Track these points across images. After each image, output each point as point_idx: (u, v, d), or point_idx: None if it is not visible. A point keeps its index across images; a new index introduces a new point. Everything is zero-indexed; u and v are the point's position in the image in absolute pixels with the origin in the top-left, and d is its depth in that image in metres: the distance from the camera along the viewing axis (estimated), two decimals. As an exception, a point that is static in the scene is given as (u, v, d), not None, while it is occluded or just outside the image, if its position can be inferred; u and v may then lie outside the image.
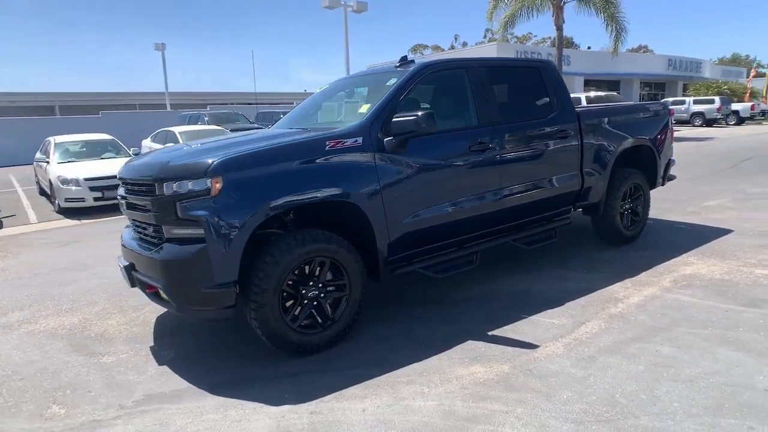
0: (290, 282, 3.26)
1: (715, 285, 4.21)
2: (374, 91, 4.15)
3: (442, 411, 2.69)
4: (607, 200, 5.20)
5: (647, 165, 5.64)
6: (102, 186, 9.80)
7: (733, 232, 5.76)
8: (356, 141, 3.49)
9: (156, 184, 3.12)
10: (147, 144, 14.56)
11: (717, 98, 27.58)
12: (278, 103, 31.12)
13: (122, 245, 3.70)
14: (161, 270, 3.12)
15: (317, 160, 3.34)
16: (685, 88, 38.08)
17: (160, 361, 3.49)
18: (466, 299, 4.24)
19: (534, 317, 3.79)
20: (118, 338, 3.91)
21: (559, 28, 22.55)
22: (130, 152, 12.00)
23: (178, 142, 12.67)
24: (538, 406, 2.67)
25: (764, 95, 32.69)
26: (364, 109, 3.81)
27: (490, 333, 3.58)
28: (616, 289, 4.26)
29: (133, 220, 3.55)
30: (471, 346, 3.40)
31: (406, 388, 2.93)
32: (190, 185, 3.04)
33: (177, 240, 3.13)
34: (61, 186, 9.74)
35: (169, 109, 29.77)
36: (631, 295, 4.10)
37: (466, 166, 4.01)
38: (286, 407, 2.82)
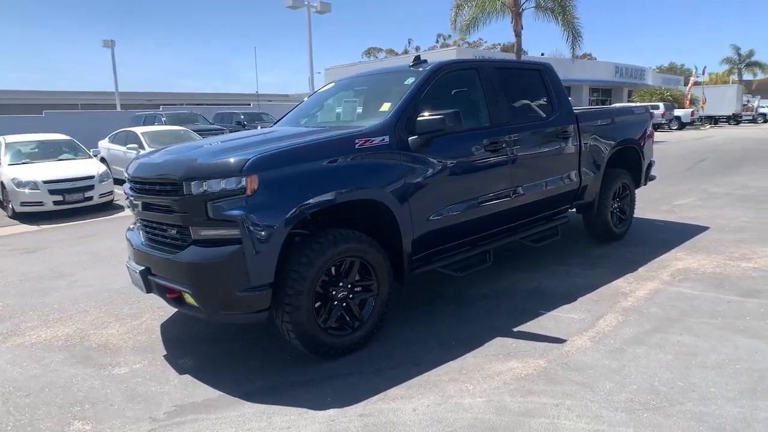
0: (321, 283, 3.19)
1: (710, 278, 4.45)
2: (391, 90, 4.13)
3: (493, 407, 2.70)
4: (600, 199, 5.40)
5: (633, 165, 5.90)
6: (63, 189, 9.26)
7: (709, 229, 6.12)
8: (383, 140, 3.47)
9: (183, 184, 2.97)
10: (105, 145, 13.86)
11: (661, 104, 29.25)
12: (228, 105, 30.17)
13: (134, 248, 3.49)
14: (191, 273, 2.97)
15: (348, 159, 3.29)
16: (630, 94, 40.16)
17: (180, 370, 3.32)
18: (482, 297, 4.28)
19: (552, 313, 3.87)
20: (125, 348, 3.69)
21: (518, 35, 23.22)
22: (91, 153, 11.40)
23: (142, 143, 12.16)
24: (585, 398, 2.73)
25: (702, 102, 34.94)
26: (386, 107, 3.78)
27: (515, 329, 3.63)
28: (621, 284, 4.42)
29: (148, 221, 3.36)
30: (501, 342, 3.44)
31: (450, 386, 2.93)
32: (222, 184, 2.91)
33: (206, 241, 2.99)
34: (16, 189, 9.10)
35: (119, 109, 28.41)
36: (636, 289, 4.27)
37: (483, 166, 4.06)
38: (332, 411, 2.75)
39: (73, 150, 11.08)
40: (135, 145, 12.15)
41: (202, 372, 3.28)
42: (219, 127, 19.10)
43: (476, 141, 4.00)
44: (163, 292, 3.25)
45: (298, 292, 3.03)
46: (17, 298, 4.95)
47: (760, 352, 3.13)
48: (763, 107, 39.46)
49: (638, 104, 5.94)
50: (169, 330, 3.98)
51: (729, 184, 9.29)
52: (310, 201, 3.06)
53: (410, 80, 3.92)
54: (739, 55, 51.56)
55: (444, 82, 4.02)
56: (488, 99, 4.25)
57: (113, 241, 7.10)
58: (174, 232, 3.16)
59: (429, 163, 3.67)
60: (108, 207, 9.96)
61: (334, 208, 3.25)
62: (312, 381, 3.09)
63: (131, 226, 3.96)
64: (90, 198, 9.56)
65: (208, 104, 32.56)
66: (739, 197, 8.05)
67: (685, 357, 3.11)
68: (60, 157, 10.62)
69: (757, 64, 52.23)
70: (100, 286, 5.19)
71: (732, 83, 45.30)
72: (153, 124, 18.11)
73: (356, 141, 3.35)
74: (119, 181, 11.64)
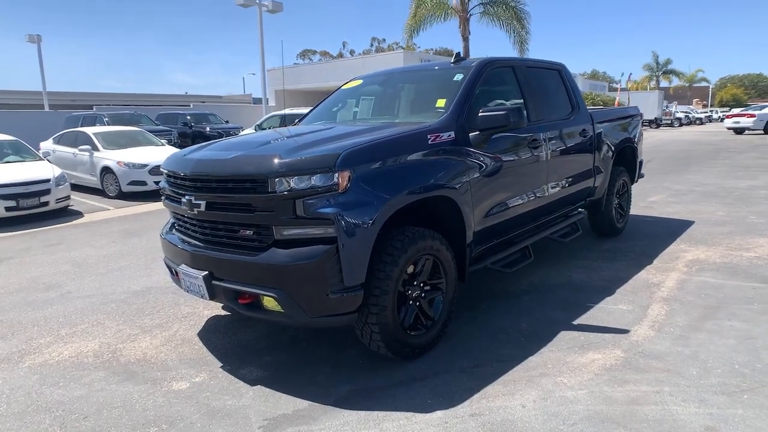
0: (402, 283, 3.09)
1: (723, 268, 4.77)
2: (438, 86, 4.09)
3: (598, 398, 2.73)
4: (607, 196, 5.64)
5: (630, 164, 6.22)
6: (16, 194, 8.43)
7: (695, 223, 6.56)
8: (450, 135, 3.43)
9: (269, 181, 2.77)
10: (48, 147, 12.75)
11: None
12: (156, 106, 28.42)
13: (185, 251, 3.21)
14: (279, 276, 2.78)
15: (424, 155, 3.22)
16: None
17: (249, 381, 3.10)
18: (523, 292, 4.33)
19: (600, 305, 3.99)
20: (170, 361, 3.40)
21: (465, 39, 23.85)
22: (40, 155, 10.44)
23: (95, 144, 11.34)
24: (680, 384, 2.83)
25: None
26: (442, 103, 3.73)
27: (575, 322, 3.70)
28: (646, 275, 4.63)
29: (211, 221, 3.10)
30: (567, 335, 3.49)
31: (545, 381, 2.93)
32: (313, 180, 2.75)
33: (288, 242, 2.81)
34: (-41, 195, 8.17)
35: (47, 109, 26.23)
36: (663, 280, 4.49)
37: (526, 162, 4.12)
38: (439, 413, 2.67)
39: (19, 152, 10.10)
40: (88, 147, 11.28)
41: (274, 382, 3.07)
42: (166, 128, 18.16)
43: (521, 138, 4.05)
44: (233, 297, 3.01)
45: (384, 291, 2.93)
46: (9, 312, 4.43)
47: (808, 332, 3.39)
48: (679, 112, 43.03)
49: (632, 106, 6.30)
50: (210, 340, 3.71)
51: (687, 182, 10.02)
52: (397, 197, 2.96)
53: (459, 76, 3.90)
54: (657, 63, 55.95)
55: (488, 79, 4.04)
56: (525, 96, 4.32)
57: (90, 249, 6.56)
58: (250, 232, 2.93)
59: (486, 159, 3.66)
60: (64, 213, 9.16)
61: (412, 205, 3.16)
62: (401, 383, 2.98)
63: (168, 228, 3.66)
64: (46, 203, 8.76)
65: (134, 105, 30.66)
66: (703, 194, 8.70)
67: (746, 341, 3.30)
68: (6, 160, 9.64)
69: (673, 71, 56.96)
70: (102, 296, 4.76)
71: (650, 89, 49.06)
72: (94, 124, 16.88)
73: (428, 136, 3.29)
74: (75, 186, 10.75)
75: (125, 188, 10.56)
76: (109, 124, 16.63)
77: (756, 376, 2.88)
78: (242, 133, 17.17)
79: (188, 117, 20.86)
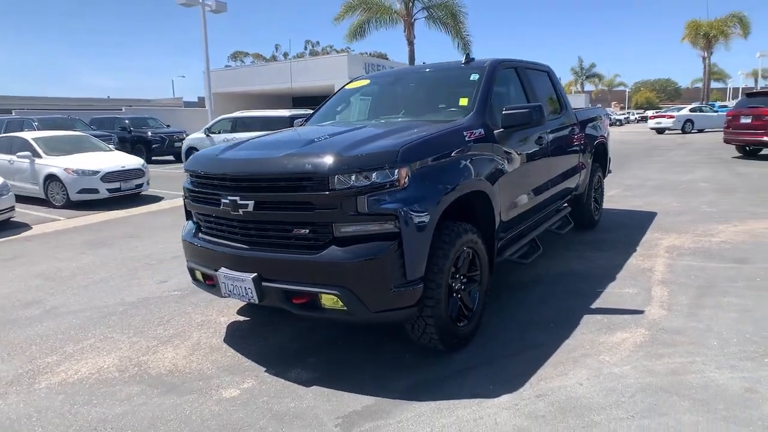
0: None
1: (698, 252, 5.25)
2: (454, 85, 4.22)
3: (644, 371, 2.96)
4: (587, 190, 6.02)
5: (602, 160, 6.66)
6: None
7: (658, 214, 7.13)
8: (480, 132, 3.56)
9: (330, 178, 2.76)
10: (-23, 153, 11.61)
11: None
12: (74, 110, 26.49)
13: (231, 254, 3.12)
14: (344, 273, 2.77)
15: (463, 151, 3.32)
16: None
17: (302, 382, 3.06)
18: (534, 282, 4.55)
19: (608, 290, 4.28)
20: (207, 370, 3.28)
21: (411, 43, 24.35)
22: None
23: (35, 149, 10.54)
24: (707, 354, 3.12)
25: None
26: (465, 102, 3.87)
27: (592, 307, 3.95)
28: (636, 262, 5.01)
29: (258, 221, 3.02)
30: (591, 319, 3.72)
31: (589, 361, 3.12)
32: (374, 177, 2.78)
33: (349, 239, 2.82)
34: None
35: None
36: (653, 265, 4.88)
37: (537, 158, 4.35)
38: (505, 397, 2.78)
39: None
40: (28, 153, 10.43)
41: (328, 381, 3.06)
42: (107, 133, 17.13)
43: (532, 134, 4.26)
44: (286, 298, 2.97)
45: (438, 284, 3.00)
46: (-6, 333, 4.07)
47: (794, 303, 3.82)
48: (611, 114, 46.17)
49: (598, 107, 6.77)
50: (240, 346, 3.61)
51: (635, 177, 10.82)
52: (450, 192, 3.05)
53: (476, 76, 4.06)
54: (582, 67, 59.61)
55: (499, 79, 4.22)
56: (528, 96, 4.55)
57: (57, 262, 6.15)
58: (305, 231, 2.90)
59: (509, 155, 3.84)
60: (8, 225, 8.43)
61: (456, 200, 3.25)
62: (456, 374, 3.07)
63: (193, 230, 3.52)
64: (-12, 215, 8.03)
65: (48, 108, 28.45)
66: (653, 187, 9.44)
67: (745, 314, 3.68)
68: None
69: (596, 75, 60.88)
70: (96, 310, 4.48)
71: (575, 93, 52.18)
72: (21, 129, 15.59)
73: (465, 133, 3.40)
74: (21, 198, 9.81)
75: (74, 197, 9.87)
76: (39, 128, 15.44)
77: (767, 343, 3.23)
78: (193, 136, 16.52)
79: (126, 121, 19.78)
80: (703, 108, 28.70)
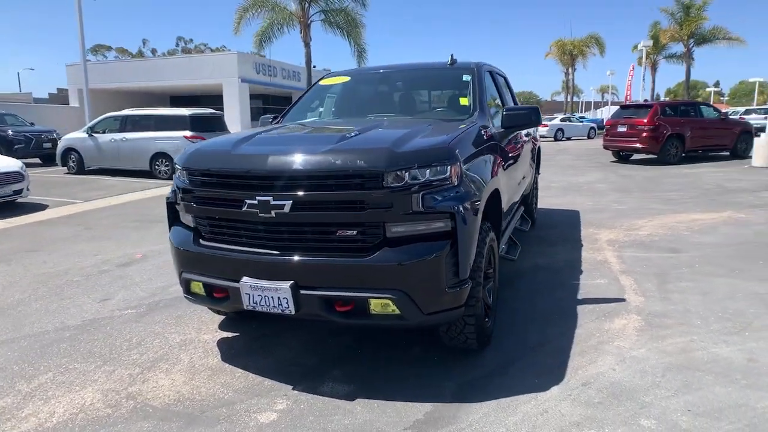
0: (480, 273, 3.18)
1: (635, 245, 5.86)
2: (447, 85, 4.23)
3: (658, 352, 3.21)
4: (533, 189, 6.43)
5: (537, 161, 7.16)
6: None
7: (580, 211, 7.84)
8: (491, 131, 3.61)
9: (384, 175, 2.59)
10: None
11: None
12: None
13: (259, 261, 2.78)
14: (398, 276, 2.61)
15: (485, 149, 3.34)
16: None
17: (343, 396, 2.83)
18: (512, 278, 4.72)
19: (582, 282, 4.59)
20: (224, 395, 2.90)
21: (307, 45, 24.04)
22: None
23: None
24: (699, 333, 3.48)
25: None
26: (465, 101, 3.89)
27: (579, 298, 4.20)
28: (590, 255, 5.45)
29: (295, 223, 2.73)
30: (585, 309, 3.95)
31: (608, 347, 3.31)
32: (428, 173, 2.67)
33: (400, 239, 2.68)
34: None
35: None
36: (606, 258, 5.34)
37: (518, 157, 4.53)
38: (556, 389, 2.84)
39: None
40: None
41: (370, 392, 2.87)
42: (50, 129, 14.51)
43: (515, 136, 4.43)
44: (328, 306, 2.72)
45: (478, 283, 2.98)
46: None
47: (738, 279, 4.43)
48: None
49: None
50: (246, 364, 3.25)
51: (540, 180, 11.75)
52: (487, 189, 3.05)
53: (468, 77, 4.11)
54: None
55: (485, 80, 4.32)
56: (502, 98, 4.73)
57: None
58: (353, 232, 2.69)
59: (506, 153, 3.95)
60: None
61: None
62: (497, 372, 3.06)
63: (191, 236, 3.09)
64: None
65: None
66: (560, 188, 10.36)
67: (706, 295, 4.18)
68: None
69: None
70: (32, 338, 3.76)
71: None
72: None
73: (482, 132, 3.42)
74: None
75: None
76: None
77: (738, 318, 3.70)
78: (70, 136, 14.55)
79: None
80: (571, 118, 32.38)
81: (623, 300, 4.12)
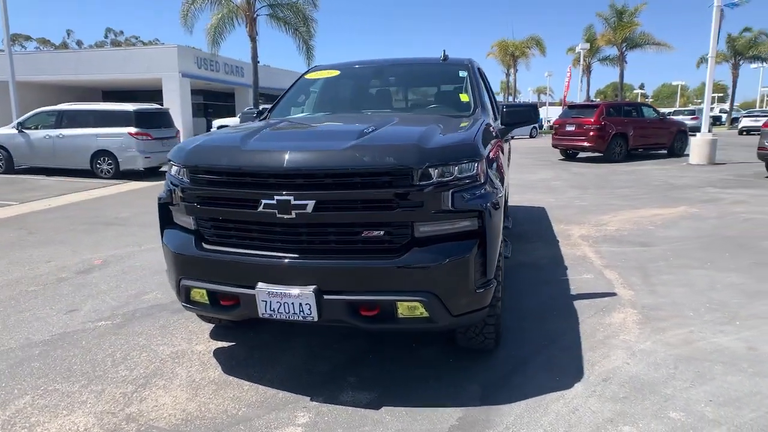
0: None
1: (608, 240, 6.05)
2: (443, 81, 4.15)
3: (664, 344, 3.29)
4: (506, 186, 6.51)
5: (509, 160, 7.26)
6: None
7: (546, 208, 8.04)
8: (493, 127, 3.58)
9: (414, 172, 2.47)
10: None
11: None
12: None
13: (277, 265, 2.58)
14: (429, 277, 2.50)
15: (496, 145, 3.30)
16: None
17: (368, 406, 2.69)
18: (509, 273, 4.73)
19: (570, 277, 4.68)
20: (236, 410, 2.69)
21: (253, 39, 23.30)
22: None
23: None
24: (694, 323, 3.61)
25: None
26: (466, 98, 3.83)
27: (572, 293, 4.27)
28: (569, 251, 5.57)
29: (316, 224, 2.56)
30: (580, 305, 4.01)
31: (615, 341, 3.36)
32: (456, 170, 2.58)
33: (430, 239, 2.57)
34: None
35: None
36: (585, 253, 5.48)
37: (508, 155, 4.54)
38: (579, 386, 2.83)
39: None
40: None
41: (395, 399, 2.75)
42: None
43: (509, 131, 4.43)
44: (352, 311, 2.57)
45: (499, 282, 2.94)
46: None
47: (713, 270, 4.66)
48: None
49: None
50: (252, 375, 3.03)
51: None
52: (503, 186, 3.00)
53: (464, 73, 4.07)
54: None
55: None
56: (490, 95, 4.73)
57: None
58: (380, 232, 2.55)
59: (506, 150, 3.94)
60: None
61: None
62: (515, 371, 3.02)
63: (192, 239, 2.83)
64: None
65: None
66: (520, 186, 10.59)
67: (689, 287, 4.36)
68: None
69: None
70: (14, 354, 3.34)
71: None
72: None
73: (490, 129, 3.38)
74: None
75: None
76: None
77: (725, 308, 3.88)
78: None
79: None
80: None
81: (614, 294, 4.22)
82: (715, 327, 3.56)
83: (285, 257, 2.60)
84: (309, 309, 2.55)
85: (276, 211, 2.53)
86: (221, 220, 2.75)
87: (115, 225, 7.43)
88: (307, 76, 4.48)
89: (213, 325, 3.72)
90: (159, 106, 14.12)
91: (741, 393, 2.73)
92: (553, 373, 2.98)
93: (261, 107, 4.30)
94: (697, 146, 14.00)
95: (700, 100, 79.30)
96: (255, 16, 22.85)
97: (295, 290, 2.54)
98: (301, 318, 2.58)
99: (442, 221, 2.57)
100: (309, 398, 2.78)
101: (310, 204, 2.50)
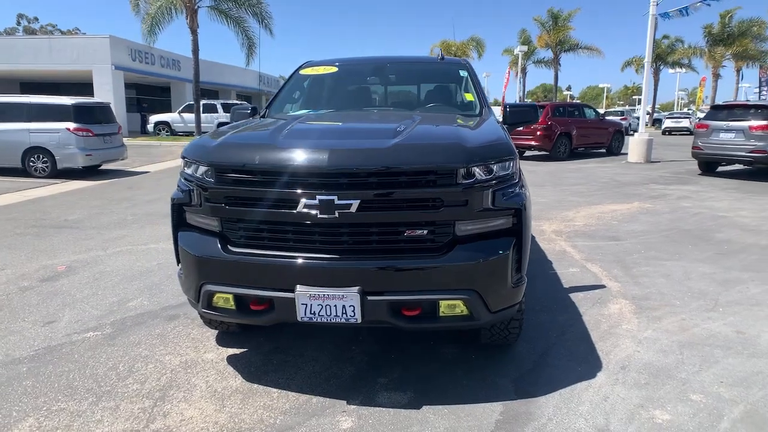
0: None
1: (579, 234, 6.35)
2: (444, 80, 4.15)
3: (664, 332, 3.51)
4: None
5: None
6: None
7: (512, 204, 8.28)
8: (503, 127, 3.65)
9: (458, 171, 2.48)
10: None
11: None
12: None
13: (318, 268, 2.50)
14: (472, 275, 2.52)
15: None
16: (266, 101, 44.13)
17: (408, 406, 2.68)
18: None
19: (559, 271, 4.87)
20: (273, 418, 2.59)
21: (194, 32, 22.39)
22: None
23: None
24: (683, 311, 3.87)
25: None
26: (471, 97, 3.88)
27: (565, 287, 4.44)
28: (548, 246, 5.80)
29: (357, 223, 2.49)
30: (576, 297, 4.19)
31: (620, 331, 3.54)
32: (495, 169, 2.61)
33: (470, 237, 2.59)
34: None
35: None
36: (563, 247, 5.72)
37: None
38: (601, 375, 2.96)
39: None
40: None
41: (432, 398, 2.74)
42: None
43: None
44: (395, 312, 2.54)
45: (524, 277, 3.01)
46: None
47: (683, 261, 5.00)
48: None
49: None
50: (278, 382, 2.93)
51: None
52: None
53: (464, 72, 4.12)
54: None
55: (471, 77, 4.37)
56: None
57: None
58: (423, 232, 2.53)
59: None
60: None
61: None
62: (537, 364, 3.11)
63: (217, 242, 2.69)
64: None
65: None
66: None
67: (668, 277, 4.67)
68: None
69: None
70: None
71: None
72: None
73: (503, 128, 3.44)
74: None
75: None
76: None
77: (705, 296, 4.19)
78: None
79: None
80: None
81: (604, 287, 4.44)
82: (703, 314, 3.83)
83: (325, 258, 2.52)
84: (353, 311, 2.49)
85: (317, 211, 2.45)
86: (252, 221, 2.62)
87: (67, 228, 6.89)
88: (302, 72, 4.36)
89: (217, 332, 3.55)
90: (100, 100, 13.23)
91: (745, 373, 2.97)
92: (574, 364, 3.10)
93: (253, 105, 4.13)
94: (635, 145, 14.98)
95: (622, 102, 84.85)
96: (196, 7, 21.94)
97: (340, 292, 2.47)
98: (343, 320, 2.52)
99: (482, 219, 2.59)
100: (345, 402, 2.72)
101: (355, 204, 2.44)
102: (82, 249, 5.80)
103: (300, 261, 2.54)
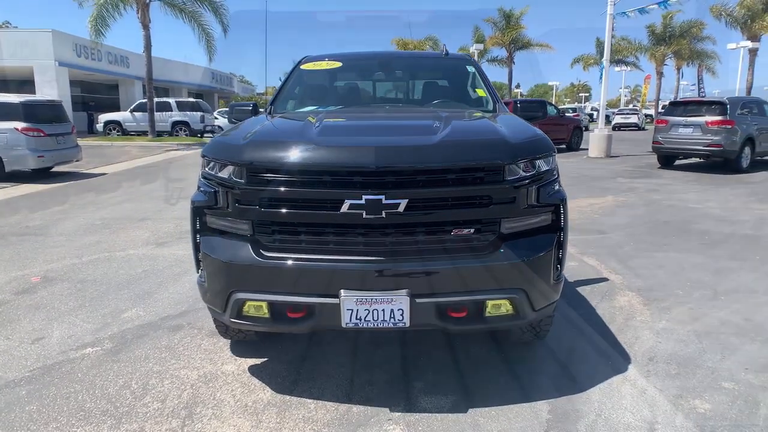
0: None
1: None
2: (453, 76, 4.08)
3: (678, 322, 3.60)
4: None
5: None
6: None
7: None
8: (516, 123, 3.63)
9: (505, 168, 2.42)
10: None
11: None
12: None
13: (364, 270, 2.38)
14: (520, 274, 2.47)
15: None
16: (219, 100, 42.97)
17: (452, 410, 2.60)
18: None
19: (558, 265, 4.91)
20: (317, 431, 2.46)
21: (146, 27, 21.45)
22: None
23: None
24: (688, 301, 3.98)
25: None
26: (482, 93, 3.83)
27: (571, 280, 4.49)
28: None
29: (396, 225, 2.39)
30: (584, 291, 4.24)
31: (636, 323, 3.59)
32: (538, 165, 2.57)
33: (516, 234, 2.54)
34: None
35: None
36: (554, 241, 5.79)
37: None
38: (632, 368, 2.99)
39: None
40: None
41: (475, 401, 2.68)
42: None
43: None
44: (441, 314, 2.46)
45: (559, 274, 3.00)
46: None
47: (672, 252, 5.17)
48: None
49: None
50: (311, 392, 2.79)
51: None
52: (557, 180, 3.06)
53: (471, 69, 4.07)
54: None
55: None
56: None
57: None
58: (470, 230, 2.45)
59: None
60: None
61: None
62: (565, 360, 3.12)
63: (251, 246, 2.51)
64: None
65: None
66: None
67: (664, 268, 4.80)
68: None
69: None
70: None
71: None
72: None
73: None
74: None
75: None
76: None
77: (704, 286, 4.33)
78: None
79: None
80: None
81: (607, 280, 4.52)
82: (708, 303, 3.96)
83: (371, 261, 2.41)
84: (401, 315, 2.39)
85: (363, 211, 2.34)
86: (290, 224, 2.47)
87: (31, 235, 6.40)
88: (303, 67, 4.18)
89: (230, 342, 3.35)
90: (51, 98, 12.42)
91: (766, 360, 3.07)
92: (603, 358, 3.11)
93: (254, 102, 3.93)
94: (595, 141, 15.50)
95: (569, 99, 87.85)
96: (148, 1, 20.99)
97: (388, 296, 2.36)
98: (391, 325, 2.41)
99: (528, 216, 2.55)
100: (388, 409, 2.61)
101: (403, 203, 2.34)
102: (54, 257, 5.39)
103: (344, 265, 2.41)
